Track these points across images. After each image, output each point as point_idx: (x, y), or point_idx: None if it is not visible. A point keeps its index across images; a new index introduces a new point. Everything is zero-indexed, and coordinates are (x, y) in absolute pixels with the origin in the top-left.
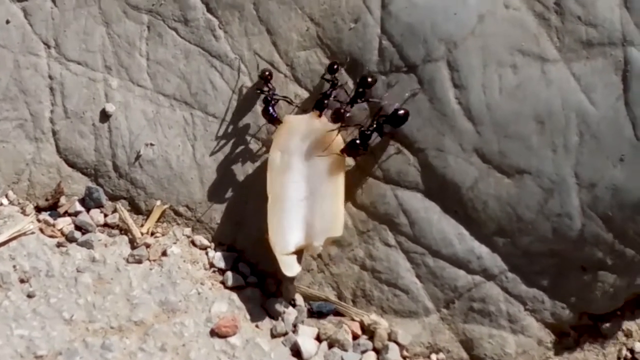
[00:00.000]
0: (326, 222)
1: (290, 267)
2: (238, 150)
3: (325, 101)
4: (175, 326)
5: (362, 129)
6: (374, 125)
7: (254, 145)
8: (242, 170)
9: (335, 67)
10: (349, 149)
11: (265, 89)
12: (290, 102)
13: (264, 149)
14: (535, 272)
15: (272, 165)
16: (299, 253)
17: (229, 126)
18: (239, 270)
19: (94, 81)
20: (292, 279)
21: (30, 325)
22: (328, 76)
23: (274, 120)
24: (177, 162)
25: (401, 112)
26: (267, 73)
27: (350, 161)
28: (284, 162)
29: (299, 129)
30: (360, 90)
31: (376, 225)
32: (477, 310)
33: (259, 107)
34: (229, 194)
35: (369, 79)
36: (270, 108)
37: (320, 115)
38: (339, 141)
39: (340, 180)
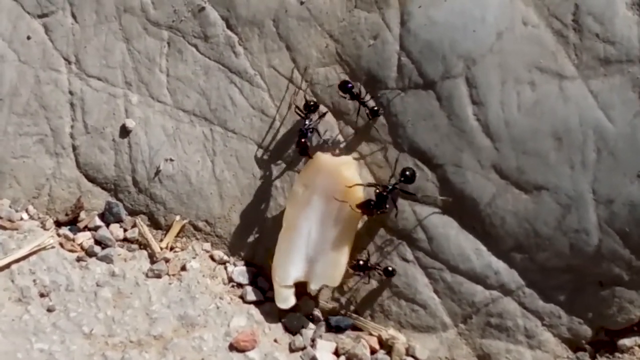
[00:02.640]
0: (326, 269)
1: (285, 300)
2: (258, 166)
3: (304, 140)
4: (194, 340)
5: (379, 190)
6: (389, 188)
7: (274, 162)
8: (262, 186)
9: (312, 105)
10: (364, 207)
11: (306, 120)
12: (325, 142)
13: (284, 165)
14: (553, 287)
15: (293, 196)
16: (298, 286)
17: (249, 142)
18: (258, 285)
19: (114, 97)
20: (311, 295)
21: (50, 339)
22: (301, 113)
23: (306, 154)
24: (196, 177)
25: (408, 172)
26: (312, 103)
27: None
28: (305, 197)
29: (327, 170)
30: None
31: (394, 240)
32: (494, 326)
33: (278, 122)
34: (248, 209)
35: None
36: (305, 140)
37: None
38: (358, 195)
39: (350, 232)
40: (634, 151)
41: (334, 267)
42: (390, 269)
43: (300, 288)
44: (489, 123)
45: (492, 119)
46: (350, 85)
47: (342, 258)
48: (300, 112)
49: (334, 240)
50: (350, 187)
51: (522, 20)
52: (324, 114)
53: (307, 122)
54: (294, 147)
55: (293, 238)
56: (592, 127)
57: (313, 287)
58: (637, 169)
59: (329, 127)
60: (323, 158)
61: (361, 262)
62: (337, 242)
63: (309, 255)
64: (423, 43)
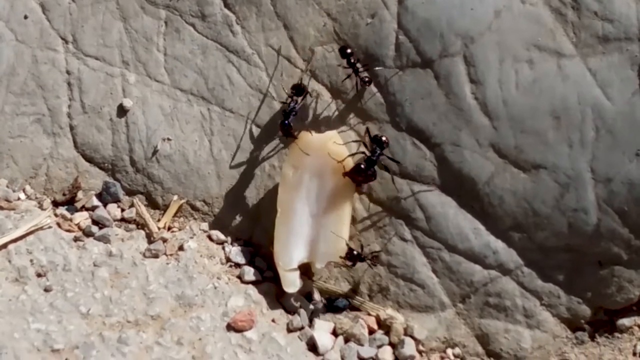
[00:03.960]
0: (329, 245)
1: (291, 283)
2: (255, 145)
3: (288, 122)
4: (192, 320)
5: (368, 155)
6: (377, 152)
7: (271, 141)
8: (259, 166)
9: (300, 87)
10: (355, 172)
11: (290, 100)
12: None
13: (281, 144)
14: (551, 267)
15: (284, 180)
16: (302, 268)
17: (246, 121)
18: (256, 264)
19: (112, 76)
20: (309, 275)
21: (47, 319)
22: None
23: (290, 135)
24: (194, 157)
25: (382, 137)
26: (300, 85)
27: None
28: (296, 178)
29: (313, 147)
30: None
31: (392, 220)
32: (493, 305)
33: (275, 102)
34: (246, 188)
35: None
36: (287, 122)
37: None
38: (350, 167)
39: (347, 205)
40: (632, 129)
41: (336, 242)
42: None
43: (301, 268)
44: (487, 102)
45: (490, 98)
46: (349, 51)
47: (343, 231)
48: (287, 93)
49: (332, 216)
50: (341, 161)
51: None
52: (305, 94)
53: (291, 104)
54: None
55: (290, 221)
56: (590, 105)
57: (318, 266)
58: (636, 147)
59: (326, 106)
60: (308, 137)
61: (355, 253)
62: (335, 217)
63: (309, 235)
64: (421, 21)
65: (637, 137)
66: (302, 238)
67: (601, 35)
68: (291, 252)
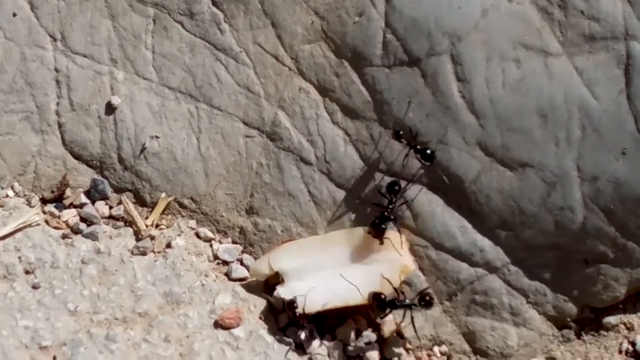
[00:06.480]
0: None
1: (259, 270)
2: (243, 143)
3: (383, 226)
4: (179, 317)
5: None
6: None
7: (259, 139)
8: (247, 164)
9: (397, 187)
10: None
11: (390, 203)
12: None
13: (269, 142)
14: (538, 265)
15: (348, 239)
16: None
17: (234, 119)
18: (243, 262)
19: (100, 74)
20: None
21: (35, 316)
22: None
23: (379, 238)
24: (182, 154)
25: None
26: (396, 186)
27: None
28: (356, 254)
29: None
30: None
31: None
32: (479, 303)
33: (264, 100)
34: (233, 186)
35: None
36: (384, 225)
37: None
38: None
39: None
40: (618, 128)
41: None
42: (427, 298)
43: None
44: (474, 100)
45: (477, 96)
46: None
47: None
48: (385, 195)
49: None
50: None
51: None
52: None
53: (390, 205)
54: (369, 226)
55: (316, 249)
56: (577, 104)
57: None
58: (622, 146)
59: (314, 104)
60: (397, 240)
61: (397, 302)
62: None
63: (313, 269)
64: (408, 20)
65: (623, 135)
66: (306, 262)
67: (588, 34)
68: (286, 259)
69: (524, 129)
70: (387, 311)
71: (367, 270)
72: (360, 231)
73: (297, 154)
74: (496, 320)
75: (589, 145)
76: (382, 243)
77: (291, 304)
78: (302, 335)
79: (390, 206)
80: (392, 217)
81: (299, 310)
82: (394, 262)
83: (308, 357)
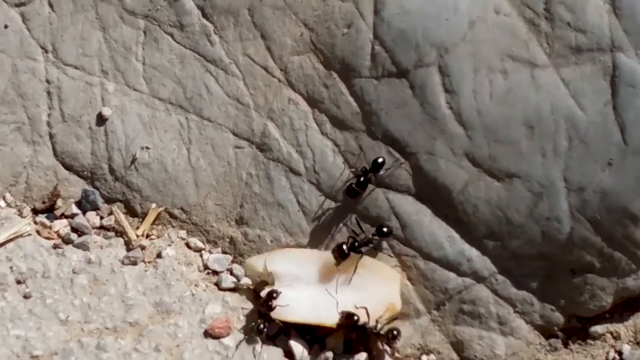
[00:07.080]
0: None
1: (254, 266)
2: (233, 153)
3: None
4: (170, 327)
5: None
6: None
7: (249, 150)
8: (237, 174)
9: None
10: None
11: (359, 234)
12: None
13: (259, 152)
14: (525, 274)
15: (348, 262)
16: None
17: (224, 130)
18: (233, 272)
19: (91, 85)
20: None
21: (26, 325)
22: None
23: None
24: (172, 165)
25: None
26: (386, 230)
27: None
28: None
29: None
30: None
31: (368, 228)
32: (467, 312)
33: (253, 111)
34: (224, 197)
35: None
36: (348, 249)
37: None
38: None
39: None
40: (604, 139)
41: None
42: (384, 229)
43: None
44: (462, 111)
45: (464, 107)
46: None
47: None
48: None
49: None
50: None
51: (494, 9)
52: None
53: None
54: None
55: (313, 263)
56: (563, 115)
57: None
58: (608, 157)
59: (303, 115)
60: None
61: (356, 244)
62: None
63: (305, 281)
64: (396, 32)
65: (610, 146)
66: (300, 275)
67: (574, 46)
68: (280, 262)
69: (511, 140)
70: (350, 255)
71: (355, 297)
72: (356, 258)
73: (286, 164)
74: (484, 330)
75: (575, 156)
76: (337, 265)
77: (270, 295)
78: (262, 327)
79: (362, 239)
80: (361, 250)
81: (275, 303)
82: (383, 297)
83: None
